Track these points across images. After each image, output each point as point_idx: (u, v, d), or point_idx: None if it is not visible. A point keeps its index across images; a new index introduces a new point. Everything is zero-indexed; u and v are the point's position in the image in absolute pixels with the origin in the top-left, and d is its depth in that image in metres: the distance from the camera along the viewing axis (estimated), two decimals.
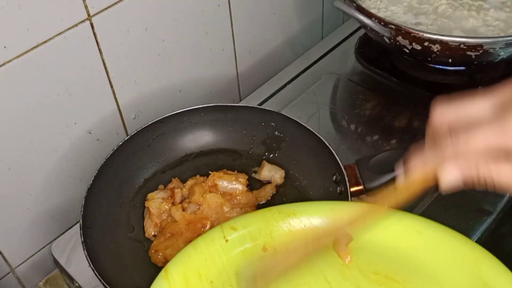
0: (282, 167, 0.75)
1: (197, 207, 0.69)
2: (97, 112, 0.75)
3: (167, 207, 0.70)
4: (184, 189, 0.72)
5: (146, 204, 0.71)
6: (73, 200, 0.79)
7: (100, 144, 0.78)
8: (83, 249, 0.61)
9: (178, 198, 0.71)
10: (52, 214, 0.77)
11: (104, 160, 0.70)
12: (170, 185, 0.73)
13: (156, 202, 0.70)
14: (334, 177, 0.69)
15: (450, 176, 0.37)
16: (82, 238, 0.62)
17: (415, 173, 0.41)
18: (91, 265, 0.60)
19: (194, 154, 0.79)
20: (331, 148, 0.68)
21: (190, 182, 0.73)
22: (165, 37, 0.78)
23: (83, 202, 0.66)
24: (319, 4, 1.05)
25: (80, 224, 0.64)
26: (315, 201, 0.60)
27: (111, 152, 0.71)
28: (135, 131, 0.74)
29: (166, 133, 0.77)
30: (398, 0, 0.89)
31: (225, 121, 0.79)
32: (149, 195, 0.72)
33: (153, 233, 0.69)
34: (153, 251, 0.66)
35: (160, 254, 0.65)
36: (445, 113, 0.38)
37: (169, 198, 0.71)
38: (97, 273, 0.59)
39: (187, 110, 0.76)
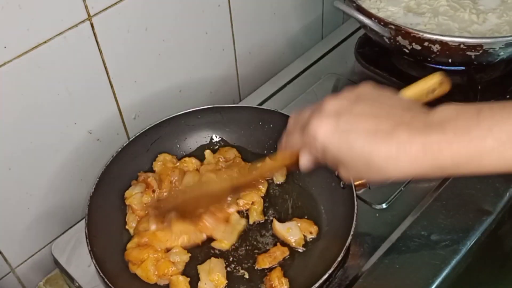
0: None
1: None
2: (97, 112, 0.75)
3: (148, 199, 0.70)
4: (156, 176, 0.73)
5: (127, 202, 0.71)
6: (73, 200, 0.79)
7: (100, 144, 0.78)
8: (91, 258, 0.62)
9: (154, 185, 0.71)
10: (52, 214, 0.77)
11: (104, 167, 0.70)
12: (140, 178, 0.73)
13: (136, 197, 0.70)
14: (336, 172, 0.68)
15: (303, 159, 0.54)
16: (89, 247, 0.63)
17: (283, 151, 0.58)
18: (101, 274, 0.60)
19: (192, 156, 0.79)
20: None
21: (158, 168, 0.74)
22: (165, 37, 0.78)
23: (87, 210, 0.66)
24: (319, 4, 1.05)
25: (85, 233, 0.64)
26: None
27: (111, 159, 0.71)
28: (133, 137, 0.74)
29: (164, 137, 0.77)
30: (398, 1, 0.89)
31: (222, 122, 0.79)
32: (127, 193, 0.71)
33: (133, 225, 0.69)
34: (127, 259, 0.66)
35: (135, 267, 0.65)
36: (292, 118, 0.57)
37: (146, 189, 0.71)
38: (107, 281, 0.60)
39: (184, 113, 0.76)
